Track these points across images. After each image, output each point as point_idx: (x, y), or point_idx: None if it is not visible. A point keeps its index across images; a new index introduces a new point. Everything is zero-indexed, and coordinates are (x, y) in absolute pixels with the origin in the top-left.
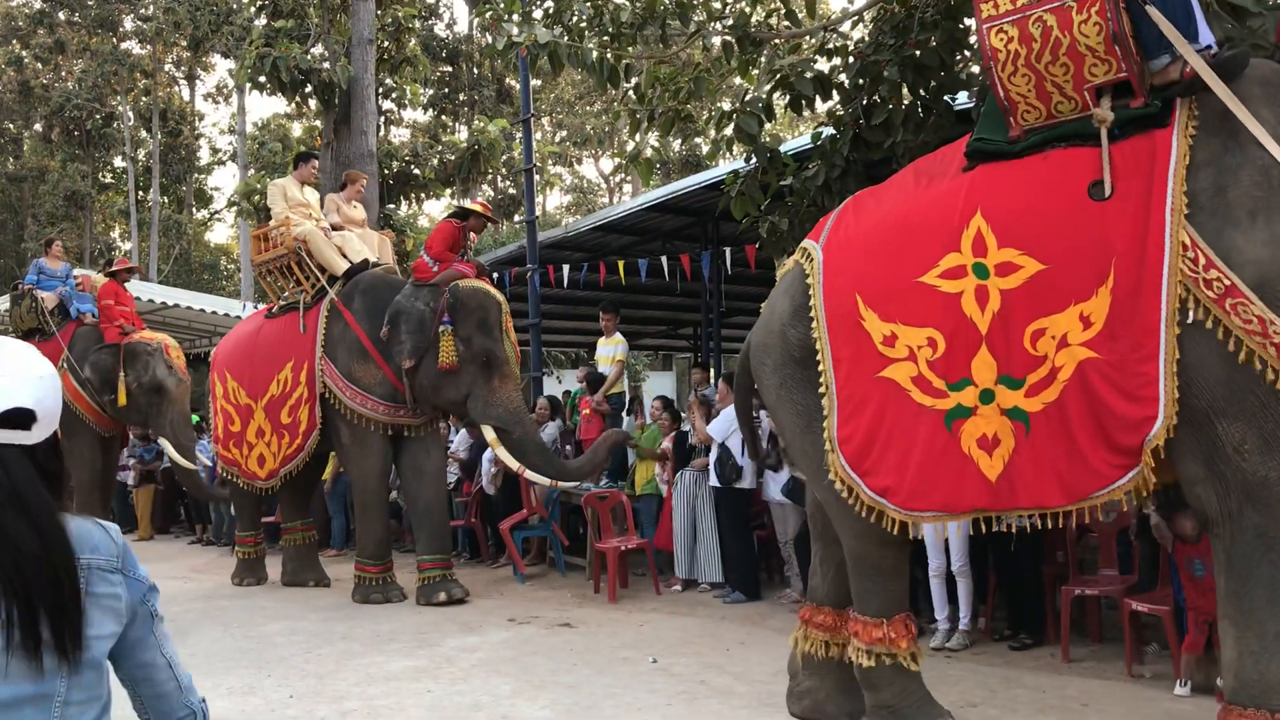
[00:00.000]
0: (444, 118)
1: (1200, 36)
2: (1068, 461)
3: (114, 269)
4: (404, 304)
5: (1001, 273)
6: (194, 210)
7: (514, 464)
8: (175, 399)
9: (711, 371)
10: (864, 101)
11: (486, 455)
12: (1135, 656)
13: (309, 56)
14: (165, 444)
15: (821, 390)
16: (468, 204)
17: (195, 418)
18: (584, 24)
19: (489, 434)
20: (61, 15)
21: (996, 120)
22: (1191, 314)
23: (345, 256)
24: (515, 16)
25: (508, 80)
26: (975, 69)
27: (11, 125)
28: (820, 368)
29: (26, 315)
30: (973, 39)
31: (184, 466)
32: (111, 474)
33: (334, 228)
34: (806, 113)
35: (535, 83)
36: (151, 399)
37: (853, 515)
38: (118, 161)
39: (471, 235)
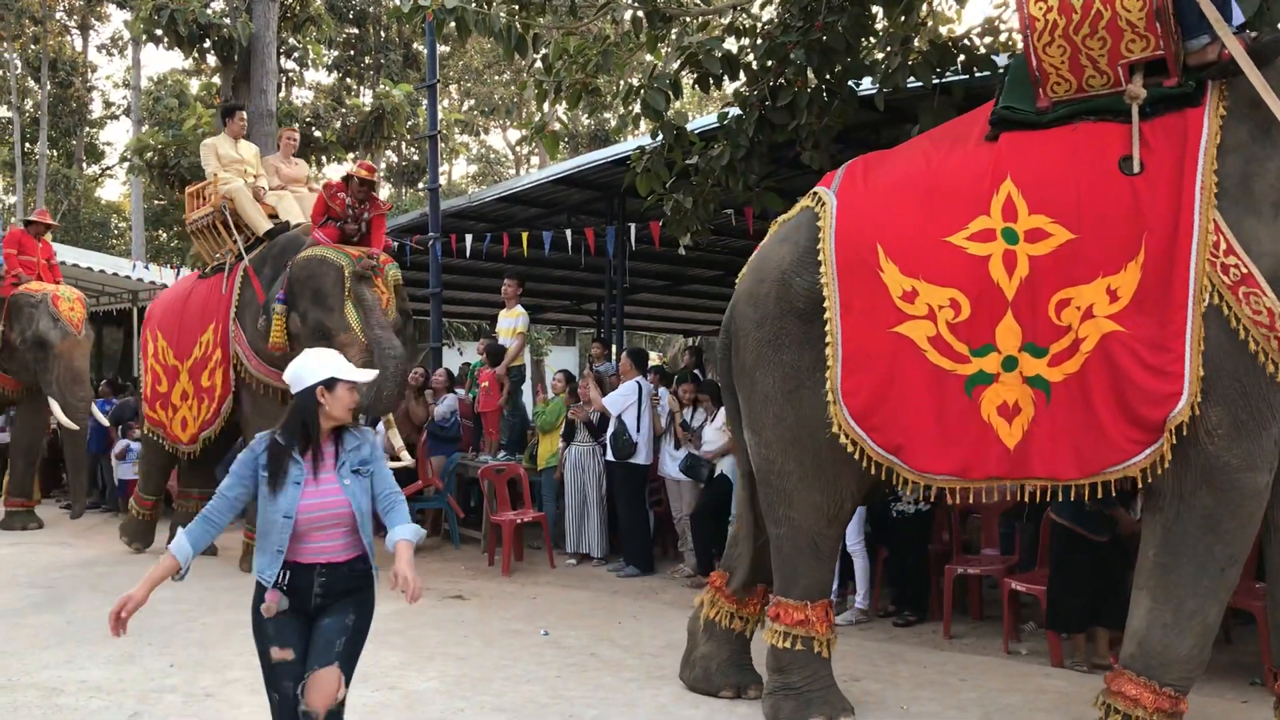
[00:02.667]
0: (348, 80)
1: (1233, 17)
2: (1085, 434)
3: (30, 219)
4: (273, 288)
5: (1031, 239)
6: (84, 165)
7: (398, 441)
8: (61, 354)
9: (613, 347)
10: (770, 83)
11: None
12: (1013, 634)
13: (208, 11)
14: (51, 403)
15: (827, 340)
16: (353, 170)
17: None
18: None
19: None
20: None
21: (1024, 90)
22: (1208, 297)
23: (276, 218)
24: None
25: (415, 45)
26: (879, 55)
27: None
28: (826, 315)
29: None
30: (879, 25)
31: (69, 427)
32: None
33: (274, 189)
34: (714, 92)
35: (443, 49)
36: (37, 354)
37: (814, 488)
38: (3, 111)
39: (371, 202)
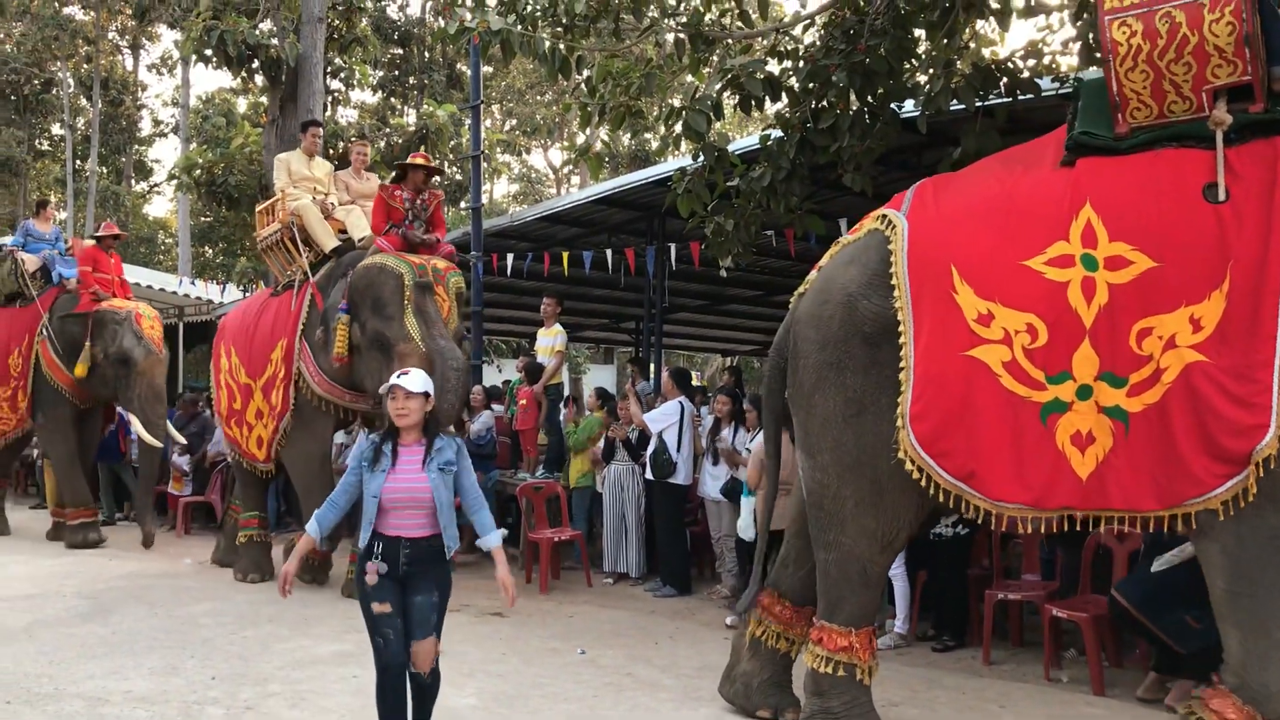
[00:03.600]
0: (393, 100)
1: None
2: (1166, 465)
3: (99, 234)
4: (333, 300)
5: (1111, 266)
6: (133, 182)
7: None
8: (143, 371)
9: (652, 366)
10: (812, 105)
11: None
12: (1054, 661)
13: (257, 31)
14: (133, 419)
15: (902, 365)
16: (409, 159)
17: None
18: (538, 13)
19: None
20: None
21: (1100, 115)
22: None
23: (347, 234)
24: (469, 1)
25: (459, 66)
26: (922, 78)
27: None
28: (901, 340)
29: (7, 279)
30: (921, 48)
31: (150, 443)
32: (92, 448)
33: (343, 204)
34: (755, 114)
35: (486, 70)
36: (119, 371)
37: (870, 514)
38: (56, 129)
39: (430, 194)
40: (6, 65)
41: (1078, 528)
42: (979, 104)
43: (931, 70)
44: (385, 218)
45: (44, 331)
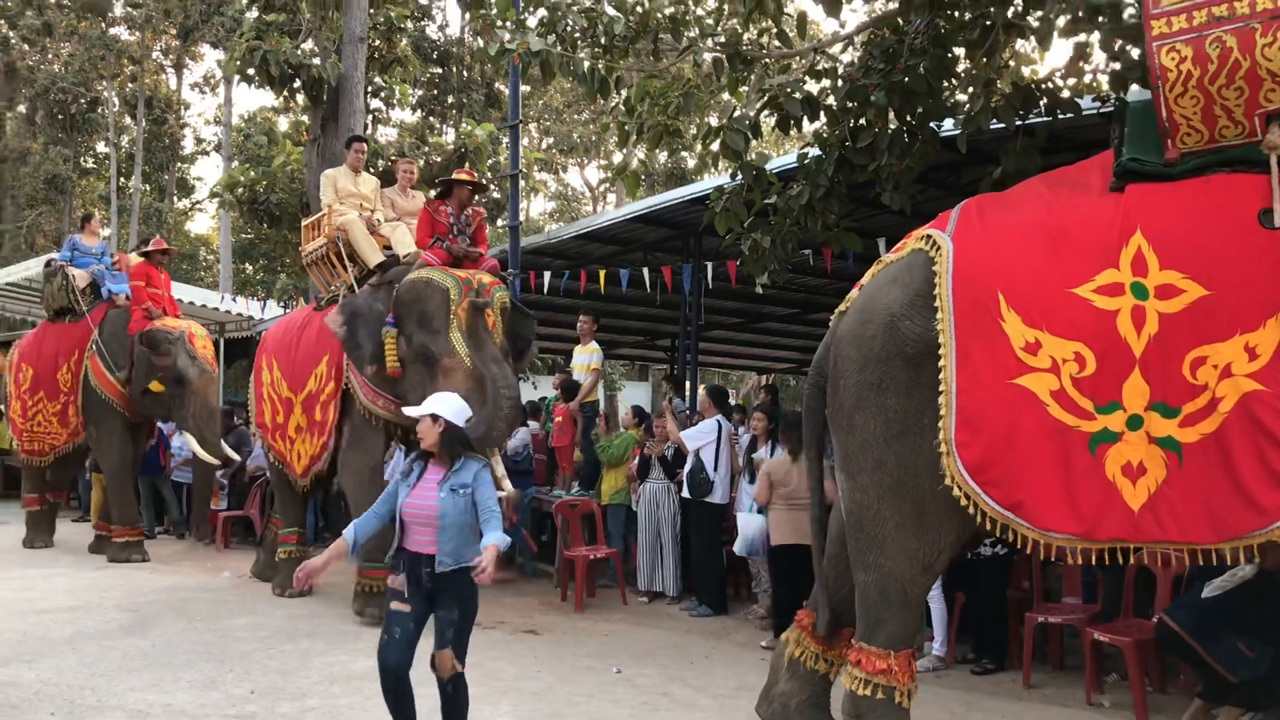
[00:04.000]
0: (431, 119)
1: None
2: (1223, 497)
3: (148, 249)
4: (360, 305)
5: (1162, 295)
6: (175, 199)
7: (500, 471)
8: (198, 389)
9: (687, 384)
10: (850, 124)
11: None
12: (1095, 686)
13: (299, 51)
14: (188, 437)
15: (941, 389)
16: (454, 176)
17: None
18: (577, 34)
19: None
20: None
21: (1148, 140)
22: None
23: (390, 250)
24: (509, 23)
25: (497, 85)
26: (962, 97)
27: None
28: (941, 363)
29: (58, 293)
30: (961, 67)
31: (206, 461)
32: (139, 462)
33: (388, 221)
34: (793, 132)
35: (524, 89)
36: (173, 390)
37: (911, 535)
38: (100, 147)
39: (472, 212)
40: (54, 85)
41: (1130, 560)
42: (1019, 123)
43: (971, 89)
44: (429, 232)
45: (94, 346)
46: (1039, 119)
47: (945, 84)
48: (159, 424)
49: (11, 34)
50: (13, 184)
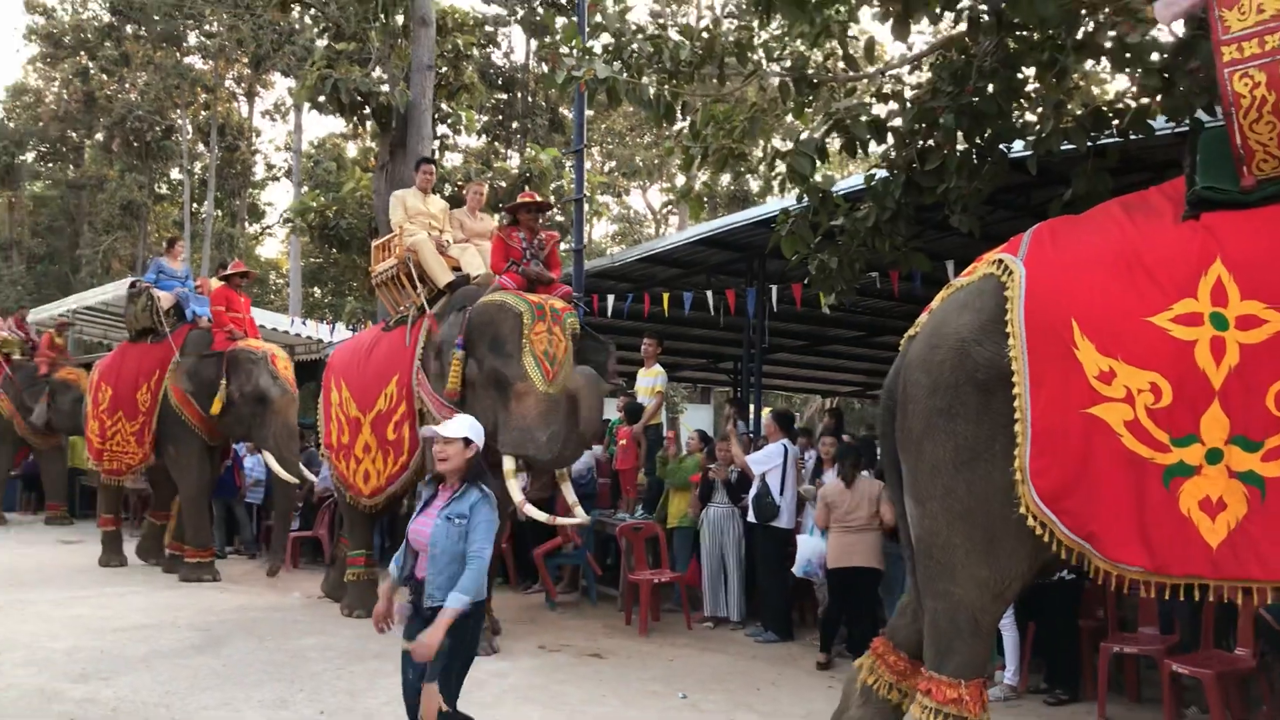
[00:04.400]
0: (496, 144)
1: None
2: None
3: (228, 273)
4: (445, 332)
5: (1243, 326)
6: (246, 224)
7: (517, 497)
8: (279, 410)
9: (751, 407)
10: (919, 146)
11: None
12: (1174, 719)
13: (369, 79)
14: (268, 457)
15: (1016, 417)
16: (519, 199)
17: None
18: (643, 60)
19: (507, 464)
20: (129, 29)
21: (1222, 168)
22: None
23: (459, 270)
24: (575, 50)
25: (560, 110)
26: (1031, 118)
27: (74, 134)
28: (1015, 390)
29: (141, 314)
30: (1030, 88)
31: (286, 480)
32: (214, 484)
33: (458, 242)
34: (859, 154)
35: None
36: (255, 409)
37: (982, 563)
38: (174, 173)
39: (546, 236)
40: (131, 114)
41: (1210, 598)
42: (1090, 144)
43: (1041, 110)
44: (504, 258)
45: (175, 368)
46: (1111, 139)
47: (1014, 105)
48: (234, 445)
49: (91, 64)
50: (90, 210)
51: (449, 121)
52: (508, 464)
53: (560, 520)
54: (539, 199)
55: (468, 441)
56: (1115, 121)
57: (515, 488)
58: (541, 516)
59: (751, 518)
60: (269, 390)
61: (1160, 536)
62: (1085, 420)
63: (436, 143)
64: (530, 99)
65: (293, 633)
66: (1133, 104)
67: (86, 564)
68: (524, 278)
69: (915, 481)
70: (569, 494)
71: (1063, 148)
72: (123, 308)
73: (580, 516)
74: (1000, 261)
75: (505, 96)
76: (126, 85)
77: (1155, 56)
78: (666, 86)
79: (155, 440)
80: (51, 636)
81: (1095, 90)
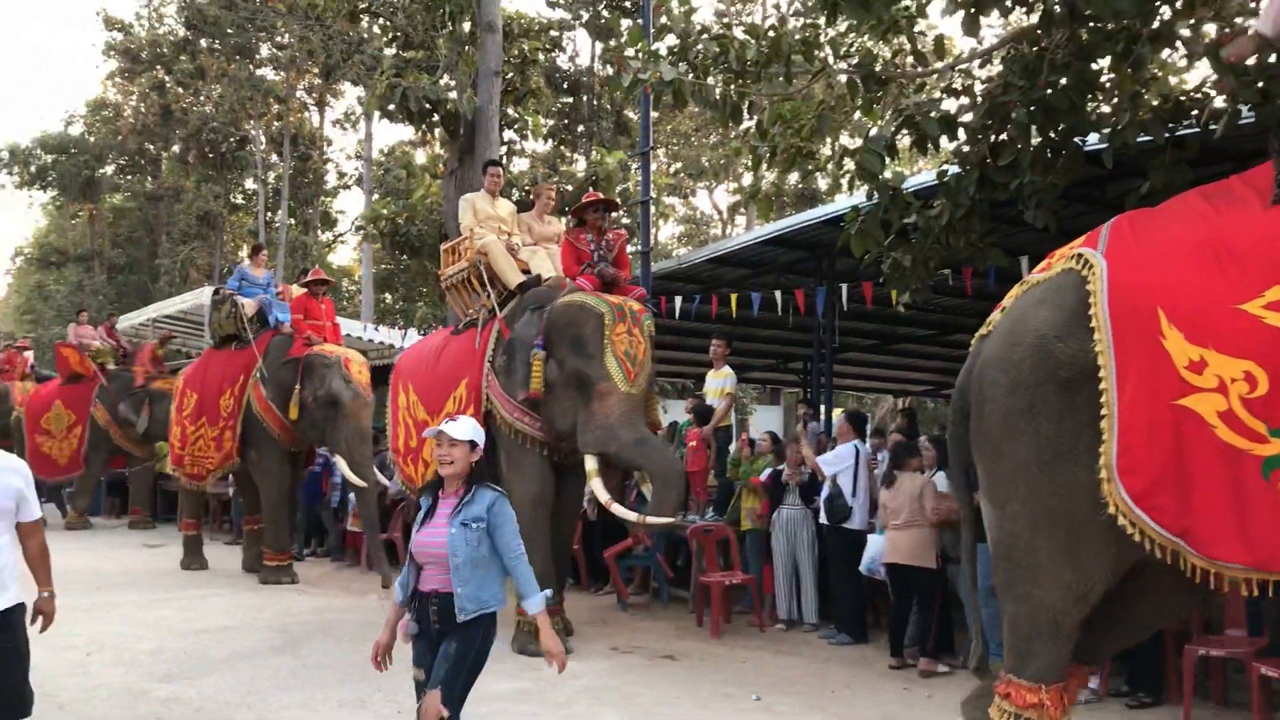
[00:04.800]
0: (563, 148)
1: None
2: None
3: (308, 279)
4: (520, 332)
5: None
6: (319, 232)
7: (603, 496)
8: (351, 414)
9: (822, 407)
10: (991, 141)
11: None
12: None
13: (436, 87)
14: (340, 461)
15: (1103, 413)
16: (583, 201)
17: None
18: (709, 61)
19: (589, 464)
20: (203, 43)
21: None
22: None
23: (529, 273)
24: (640, 53)
25: (626, 112)
26: (1106, 110)
27: (151, 146)
28: (1102, 386)
29: (225, 321)
30: (1104, 80)
31: (357, 485)
32: (297, 490)
33: (526, 246)
34: (930, 151)
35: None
36: (327, 414)
37: (1065, 566)
38: (249, 183)
39: (614, 236)
40: (206, 125)
41: None
42: (1168, 135)
43: (1116, 102)
44: (575, 260)
45: (258, 374)
46: (1190, 130)
47: (1089, 98)
48: (323, 452)
49: (167, 78)
50: (168, 220)
51: (516, 126)
52: (590, 464)
53: (649, 520)
54: (603, 198)
55: (473, 444)
56: (1194, 113)
57: (600, 487)
58: (631, 516)
59: (823, 519)
60: (341, 394)
61: (1260, 531)
62: (1176, 412)
63: (504, 148)
64: (596, 102)
65: (369, 634)
66: (1214, 95)
67: (169, 567)
68: (599, 278)
69: (994, 484)
70: (601, 493)
71: (1139, 140)
72: (200, 316)
73: (667, 517)
74: (1080, 256)
75: (571, 100)
76: (201, 98)
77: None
78: (733, 86)
79: (240, 445)
80: (137, 638)
81: (1173, 80)
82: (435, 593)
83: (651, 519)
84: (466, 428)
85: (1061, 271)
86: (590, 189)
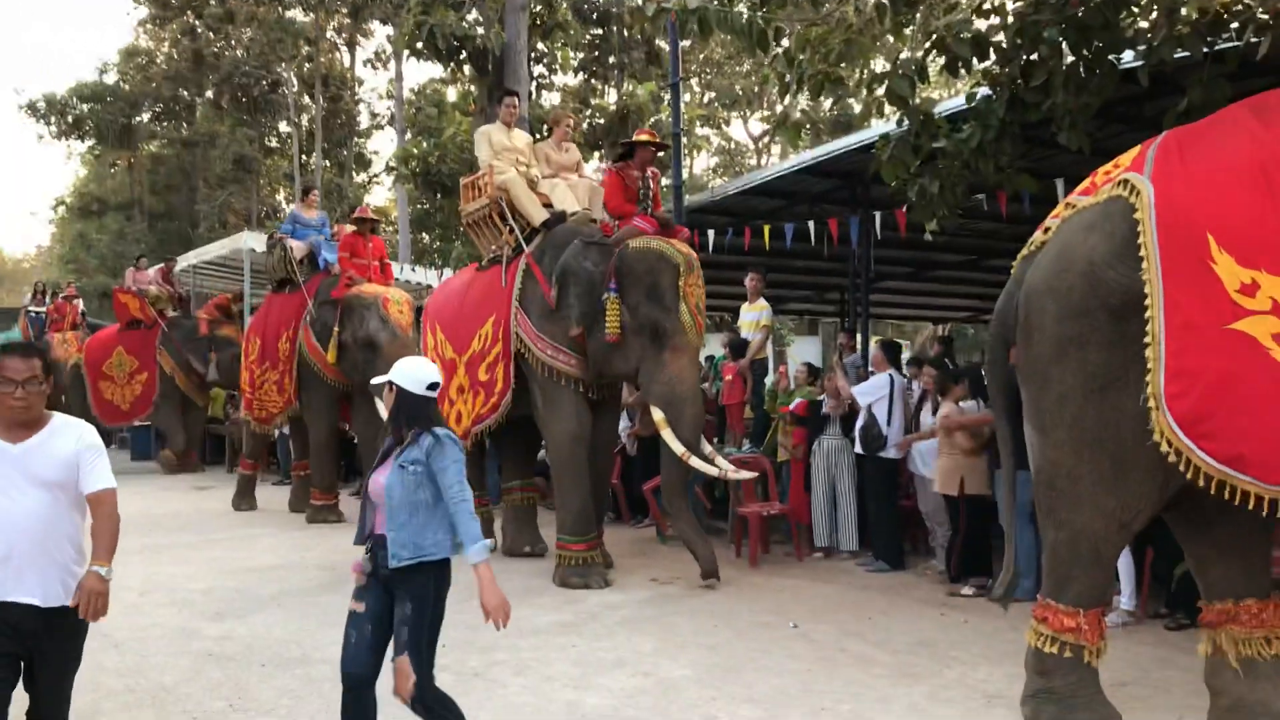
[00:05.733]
0: (593, 81)
1: None
2: None
3: (354, 217)
4: (571, 264)
5: None
6: (354, 174)
7: (678, 449)
8: (388, 355)
9: (859, 337)
10: (1022, 62)
11: (624, 416)
12: None
13: (464, 24)
14: (378, 402)
15: (1147, 341)
16: (634, 138)
17: None
18: None
19: (655, 414)
20: None
21: None
22: None
23: (550, 207)
24: None
25: (657, 42)
26: (1143, 24)
27: (185, 93)
28: (1148, 315)
29: (278, 265)
30: None
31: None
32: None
33: (545, 177)
34: (961, 73)
35: (684, 44)
36: (366, 355)
37: (1109, 493)
38: (282, 126)
39: (651, 174)
40: (238, 70)
41: None
42: (1206, 50)
43: (1154, 17)
44: (623, 197)
45: (307, 317)
46: (1229, 44)
47: (1123, 14)
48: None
49: (197, 23)
50: (204, 165)
51: (545, 61)
52: (658, 414)
53: (728, 473)
54: (655, 138)
55: (391, 385)
56: (1234, 26)
57: (671, 437)
58: (711, 470)
59: (859, 449)
60: (378, 335)
61: None
62: (1228, 337)
63: (533, 83)
64: (626, 33)
65: None
66: (1255, 6)
67: (219, 509)
68: (657, 222)
69: (1039, 410)
70: (675, 445)
71: (1176, 55)
72: (239, 261)
73: (736, 472)
74: (1126, 181)
75: (600, 32)
76: (232, 42)
77: None
78: (759, 13)
79: (297, 388)
80: (189, 578)
81: None
82: (379, 534)
83: (732, 473)
84: (394, 370)
85: (1109, 198)
86: (622, 122)
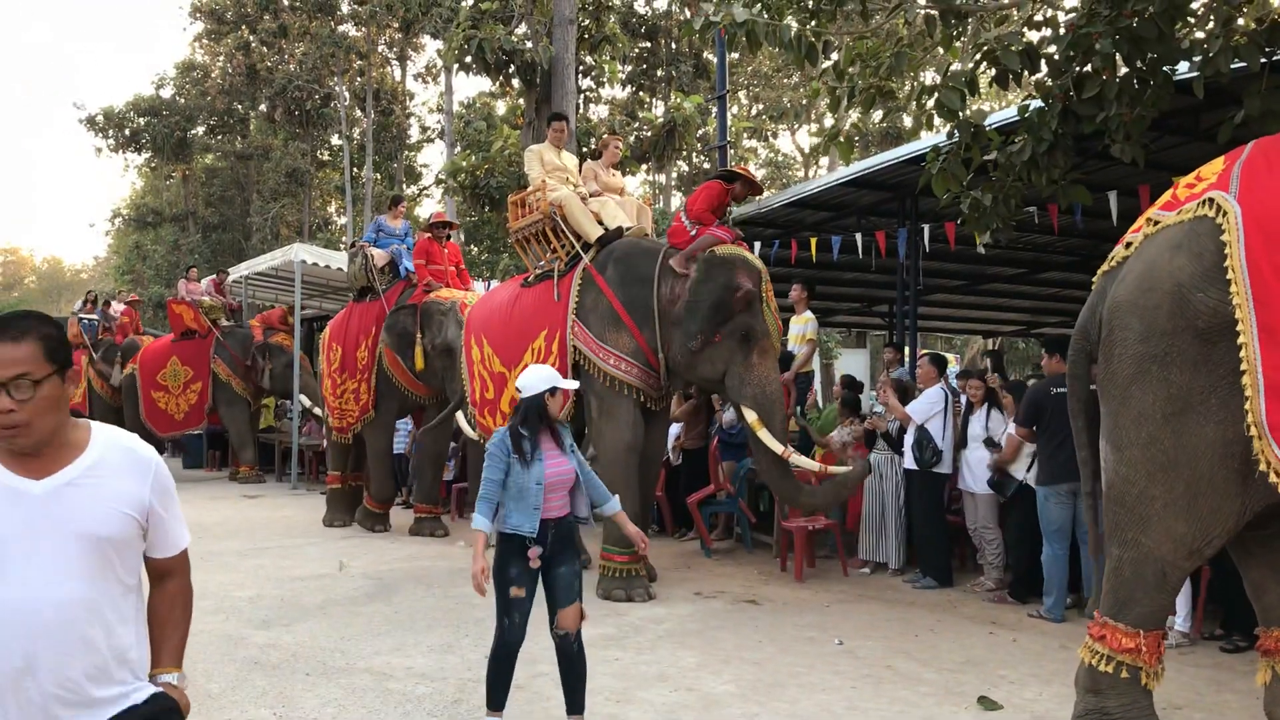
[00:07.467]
0: (641, 94)
1: None
2: None
3: (430, 223)
4: (699, 291)
5: None
6: (404, 186)
7: (778, 447)
8: None
9: (906, 350)
10: (1075, 73)
11: (673, 427)
12: None
13: (513, 37)
14: (460, 417)
15: (1243, 368)
16: (736, 168)
17: None
18: (783, 1)
19: (748, 415)
20: (285, 1)
21: None
22: None
23: (602, 224)
24: None
25: (705, 54)
26: (1199, 35)
27: (239, 106)
28: (1240, 340)
29: (359, 274)
30: (1195, 5)
31: (471, 437)
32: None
33: (593, 195)
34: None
35: (732, 56)
36: (444, 361)
37: (1180, 518)
38: (334, 140)
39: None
40: (291, 84)
41: None
42: (1265, 60)
43: (1210, 28)
44: (710, 206)
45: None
46: None
47: (1178, 25)
48: None
49: (251, 38)
50: (257, 178)
51: (592, 74)
52: (750, 415)
53: (831, 469)
54: (760, 189)
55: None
56: None
57: (769, 437)
58: (813, 465)
59: (909, 464)
60: (455, 342)
61: None
62: None
63: (580, 96)
64: (674, 46)
65: (458, 580)
66: None
67: (268, 516)
68: (733, 231)
69: (1116, 427)
70: (773, 443)
71: (1233, 66)
72: (291, 272)
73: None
74: (1212, 200)
75: (649, 45)
76: (285, 56)
77: None
78: (808, 26)
79: (375, 397)
80: (237, 585)
81: (1273, 0)
82: (554, 518)
83: (833, 468)
84: (555, 376)
85: (1196, 218)
86: (669, 135)
